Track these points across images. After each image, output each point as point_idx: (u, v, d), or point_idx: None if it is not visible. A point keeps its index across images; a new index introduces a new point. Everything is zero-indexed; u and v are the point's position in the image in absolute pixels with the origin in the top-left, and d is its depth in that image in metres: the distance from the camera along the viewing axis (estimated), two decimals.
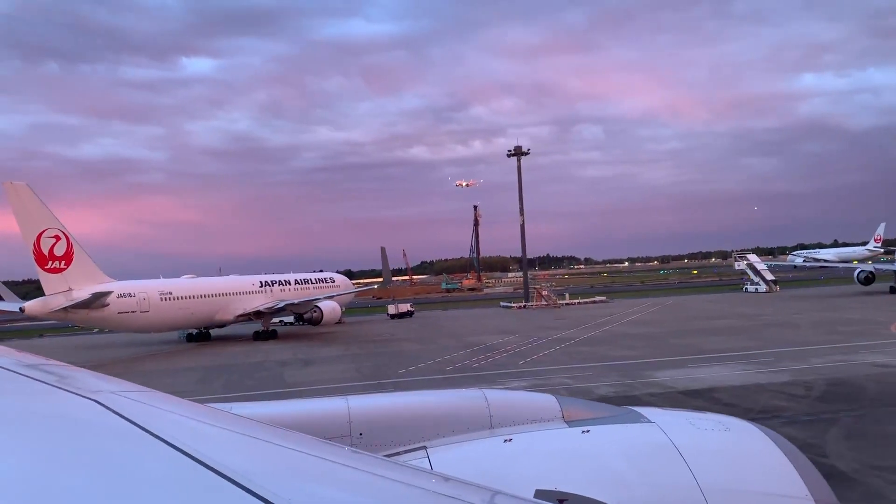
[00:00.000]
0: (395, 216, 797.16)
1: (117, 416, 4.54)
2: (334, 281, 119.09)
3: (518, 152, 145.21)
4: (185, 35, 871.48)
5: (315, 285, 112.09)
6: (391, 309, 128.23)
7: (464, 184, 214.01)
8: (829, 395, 40.55)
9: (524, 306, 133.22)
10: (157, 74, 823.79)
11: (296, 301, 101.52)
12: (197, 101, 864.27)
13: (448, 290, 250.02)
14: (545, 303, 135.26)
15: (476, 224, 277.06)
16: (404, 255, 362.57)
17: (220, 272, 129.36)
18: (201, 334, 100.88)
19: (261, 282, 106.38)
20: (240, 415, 6.22)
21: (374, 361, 65.37)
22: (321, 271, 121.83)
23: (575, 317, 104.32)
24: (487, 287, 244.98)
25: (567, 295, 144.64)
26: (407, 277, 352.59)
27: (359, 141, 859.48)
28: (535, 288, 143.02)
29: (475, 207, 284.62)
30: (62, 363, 6.66)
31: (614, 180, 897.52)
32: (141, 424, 4.36)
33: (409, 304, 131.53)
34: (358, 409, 8.75)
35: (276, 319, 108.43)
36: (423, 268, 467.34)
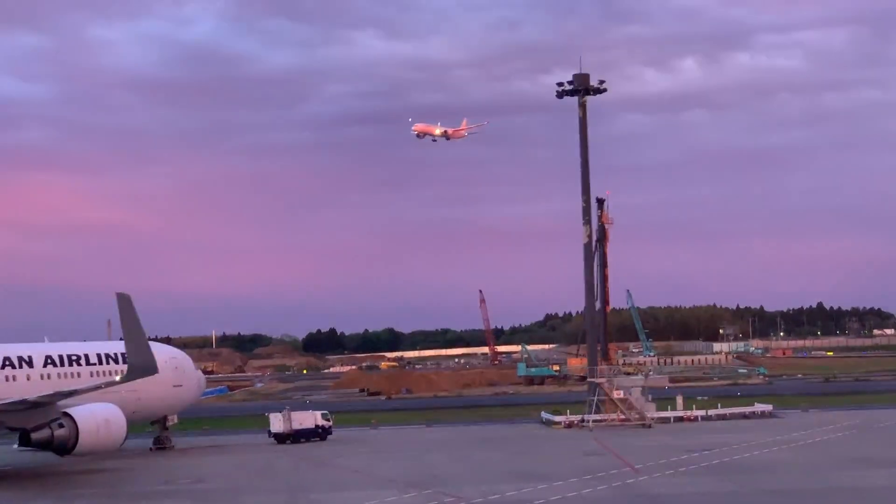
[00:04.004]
0: (497, 217, 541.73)
1: None
2: None
3: (582, 86, 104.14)
4: None
5: (95, 366, 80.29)
6: (276, 422, 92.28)
7: (437, 132, 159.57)
8: None
9: (582, 422, 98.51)
10: None
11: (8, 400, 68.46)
12: None
13: (530, 380, 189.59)
14: (622, 416, 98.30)
15: (601, 240, 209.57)
16: (482, 301, 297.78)
17: None
18: None
19: None
20: None
21: None
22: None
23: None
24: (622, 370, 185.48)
25: (681, 399, 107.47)
26: (489, 350, 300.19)
27: (440, 60, 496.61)
28: (600, 381, 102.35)
29: (600, 203, 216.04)
30: None
31: None
32: None
33: (318, 415, 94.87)
34: None
35: None
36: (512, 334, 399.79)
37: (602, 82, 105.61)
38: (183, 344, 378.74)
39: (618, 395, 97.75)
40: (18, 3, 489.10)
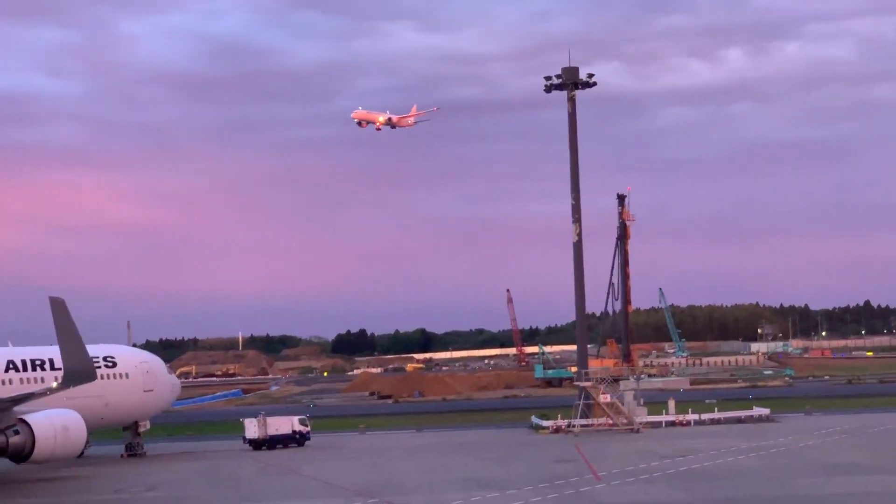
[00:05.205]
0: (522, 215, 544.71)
1: None
2: (114, 362, 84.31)
3: (571, 80, 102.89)
4: None
5: (60, 371, 74.35)
6: (250, 428, 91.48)
7: (381, 119, 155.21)
8: None
9: (569, 427, 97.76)
10: None
11: None
12: None
13: (548, 382, 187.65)
14: (609, 420, 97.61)
15: (622, 237, 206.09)
16: (509, 301, 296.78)
17: None
18: None
19: None
20: None
21: None
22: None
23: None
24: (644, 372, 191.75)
25: (672, 403, 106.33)
26: (517, 352, 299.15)
27: (474, 52, 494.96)
28: (586, 385, 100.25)
29: (621, 200, 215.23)
30: None
31: None
32: None
33: (295, 420, 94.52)
34: None
35: None
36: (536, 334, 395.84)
37: (591, 76, 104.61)
38: (209, 346, 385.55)
39: (605, 399, 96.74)
40: None
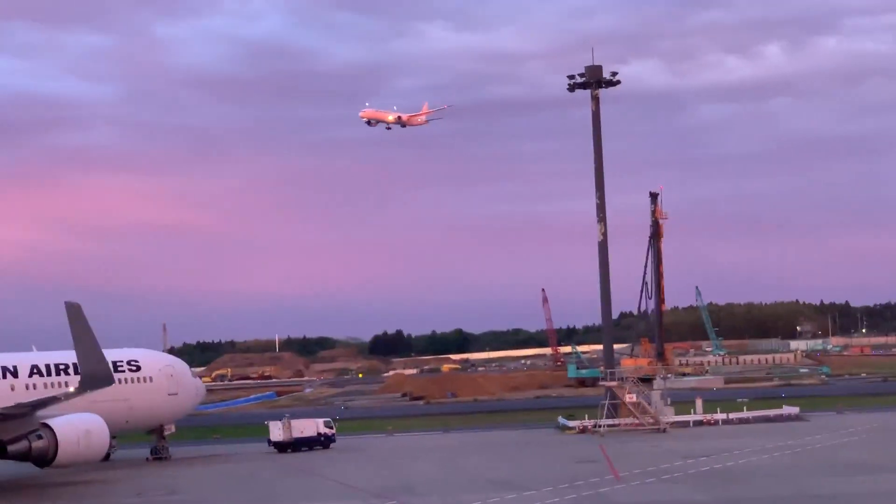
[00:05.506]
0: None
1: None
2: (138, 365, 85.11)
3: (594, 78, 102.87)
4: None
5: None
6: (275, 431, 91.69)
7: (390, 118, 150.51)
8: None
9: (595, 427, 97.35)
10: None
11: None
12: None
13: (581, 382, 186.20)
14: (635, 420, 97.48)
15: (655, 236, 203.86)
16: (544, 300, 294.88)
17: None
18: None
19: None
20: None
21: None
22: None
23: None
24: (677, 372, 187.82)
25: (700, 402, 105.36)
26: (553, 351, 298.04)
27: (512, 51, 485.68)
28: (612, 385, 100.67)
29: (654, 198, 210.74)
30: None
31: None
32: None
33: (320, 422, 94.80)
34: None
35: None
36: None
37: (614, 74, 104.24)
38: (246, 348, 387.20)
39: (630, 398, 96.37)
40: (83, 2, 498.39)
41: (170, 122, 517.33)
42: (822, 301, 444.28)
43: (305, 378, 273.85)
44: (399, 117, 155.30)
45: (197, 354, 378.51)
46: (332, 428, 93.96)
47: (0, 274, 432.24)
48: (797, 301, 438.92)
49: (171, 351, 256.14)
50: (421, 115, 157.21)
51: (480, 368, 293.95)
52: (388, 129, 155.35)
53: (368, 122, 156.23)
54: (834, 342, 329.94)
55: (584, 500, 58.10)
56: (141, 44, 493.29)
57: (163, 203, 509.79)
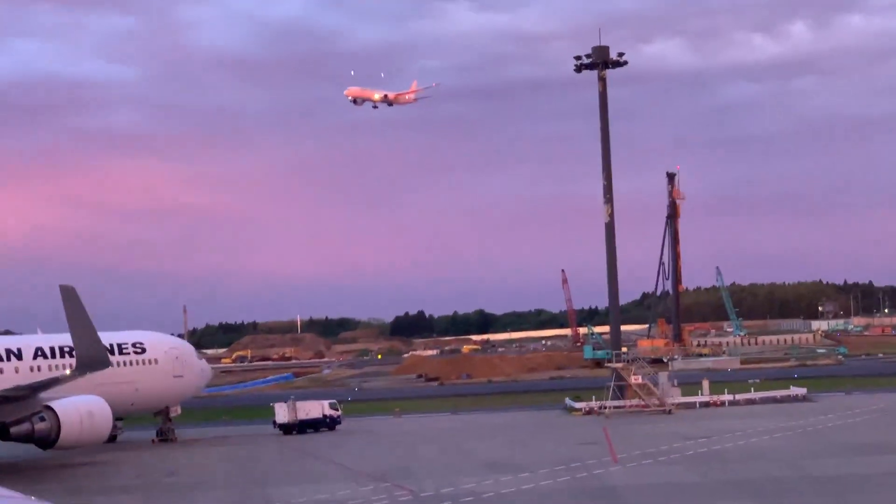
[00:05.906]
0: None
1: None
2: (143, 348, 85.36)
3: (601, 59, 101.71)
4: None
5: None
6: (280, 413, 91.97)
7: (376, 97, 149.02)
8: None
9: (601, 409, 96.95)
10: None
11: None
12: None
13: (597, 363, 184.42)
14: (641, 402, 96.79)
15: (672, 216, 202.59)
16: (564, 281, 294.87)
17: None
18: None
19: None
20: None
21: None
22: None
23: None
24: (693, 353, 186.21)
25: (706, 384, 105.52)
26: (572, 332, 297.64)
27: (535, 31, 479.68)
28: (617, 366, 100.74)
29: (671, 178, 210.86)
30: None
31: None
32: None
33: (325, 404, 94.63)
34: None
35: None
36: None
37: (621, 55, 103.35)
38: (268, 329, 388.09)
39: (636, 380, 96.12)
40: None
41: (192, 102, 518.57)
42: (845, 281, 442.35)
43: (325, 359, 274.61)
44: (385, 95, 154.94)
45: (219, 336, 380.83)
46: (337, 410, 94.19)
47: (22, 256, 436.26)
48: (820, 281, 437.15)
49: (193, 332, 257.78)
50: (409, 93, 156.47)
51: (500, 349, 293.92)
52: (375, 107, 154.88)
53: (354, 101, 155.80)
54: (856, 322, 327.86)
55: (577, 481, 58.23)
56: (164, 26, 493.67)
57: (185, 184, 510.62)
